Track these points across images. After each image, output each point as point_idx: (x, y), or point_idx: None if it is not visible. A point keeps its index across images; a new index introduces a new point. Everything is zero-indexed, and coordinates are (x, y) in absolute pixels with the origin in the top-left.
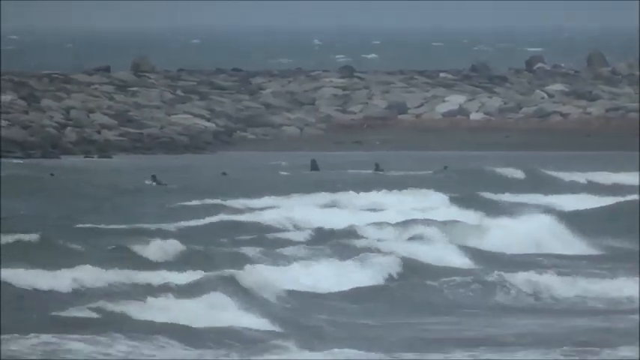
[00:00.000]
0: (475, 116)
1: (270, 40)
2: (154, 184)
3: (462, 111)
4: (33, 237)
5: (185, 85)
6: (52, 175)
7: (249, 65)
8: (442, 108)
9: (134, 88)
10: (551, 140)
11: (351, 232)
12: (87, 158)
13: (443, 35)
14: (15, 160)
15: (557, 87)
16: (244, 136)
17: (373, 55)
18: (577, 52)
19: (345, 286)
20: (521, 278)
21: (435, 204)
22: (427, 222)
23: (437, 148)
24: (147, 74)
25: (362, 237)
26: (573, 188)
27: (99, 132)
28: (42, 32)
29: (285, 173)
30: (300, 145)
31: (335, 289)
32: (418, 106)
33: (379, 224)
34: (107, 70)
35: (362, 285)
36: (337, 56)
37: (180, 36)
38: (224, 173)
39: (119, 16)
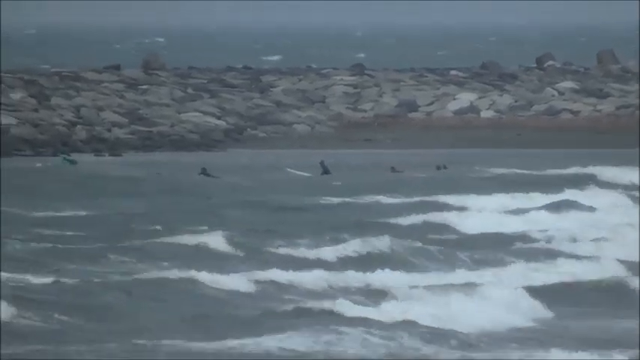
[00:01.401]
0: (486, 114)
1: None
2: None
3: (473, 109)
4: (218, 238)
5: (195, 82)
6: None
7: (259, 63)
8: (453, 106)
9: (144, 86)
10: (563, 138)
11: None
12: (97, 157)
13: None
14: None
15: (567, 84)
16: (255, 134)
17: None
18: (588, 49)
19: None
20: None
21: (617, 202)
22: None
23: (449, 146)
24: (157, 72)
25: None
26: None
27: (109, 130)
28: (57, 28)
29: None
30: (311, 143)
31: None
32: (429, 104)
33: (581, 226)
34: (117, 68)
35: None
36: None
37: (195, 33)
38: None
39: (132, 14)
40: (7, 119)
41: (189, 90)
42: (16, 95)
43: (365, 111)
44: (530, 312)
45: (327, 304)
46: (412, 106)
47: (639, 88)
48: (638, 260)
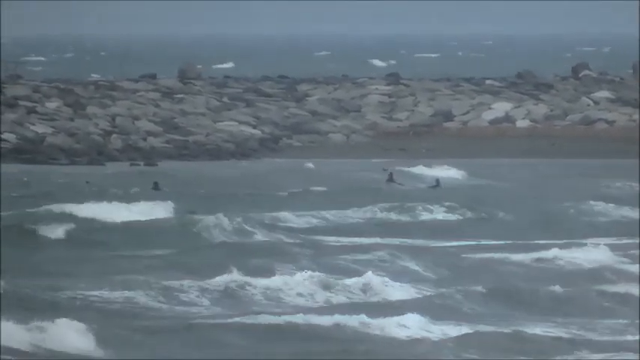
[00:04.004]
0: (521, 123)
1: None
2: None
3: (508, 118)
4: None
5: (231, 92)
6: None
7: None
8: (488, 115)
9: (180, 95)
10: (598, 147)
11: None
12: (133, 166)
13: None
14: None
15: (603, 94)
16: (290, 143)
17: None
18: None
19: None
20: None
21: None
22: None
23: (485, 155)
24: (193, 81)
25: None
26: None
27: (144, 139)
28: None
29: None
30: (346, 152)
31: None
32: (464, 114)
33: None
34: (153, 77)
35: None
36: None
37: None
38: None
39: (168, 23)
40: (43, 128)
41: (225, 99)
42: (52, 104)
43: (400, 120)
44: None
45: None
46: (447, 116)
47: (639, 96)
48: None
